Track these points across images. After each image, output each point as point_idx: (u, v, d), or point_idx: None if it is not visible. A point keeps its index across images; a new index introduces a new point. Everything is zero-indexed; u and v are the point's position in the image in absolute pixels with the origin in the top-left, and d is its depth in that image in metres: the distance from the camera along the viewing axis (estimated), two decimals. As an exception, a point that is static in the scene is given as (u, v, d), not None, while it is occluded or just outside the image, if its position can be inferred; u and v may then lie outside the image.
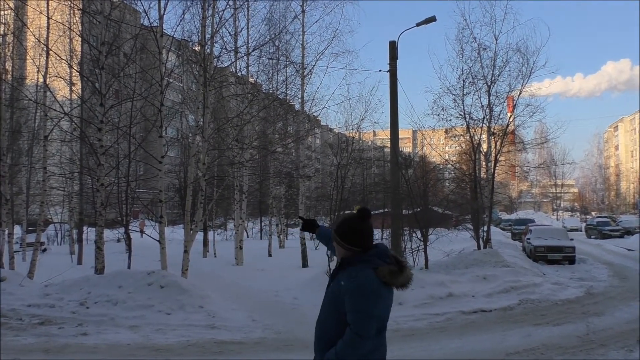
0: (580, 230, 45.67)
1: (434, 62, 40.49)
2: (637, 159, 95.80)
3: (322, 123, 36.20)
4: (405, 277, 2.78)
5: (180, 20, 15.88)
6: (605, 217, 51.92)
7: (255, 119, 18.77)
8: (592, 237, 37.92)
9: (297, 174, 22.96)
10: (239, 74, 20.27)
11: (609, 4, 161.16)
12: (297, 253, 20.01)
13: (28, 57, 19.18)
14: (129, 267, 13.53)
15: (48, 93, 15.90)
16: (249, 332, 8.73)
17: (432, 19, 17.27)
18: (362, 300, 2.66)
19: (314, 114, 23.84)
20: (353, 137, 23.86)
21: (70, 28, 15.40)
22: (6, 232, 16.68)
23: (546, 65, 20.04)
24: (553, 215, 76.54)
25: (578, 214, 75.97)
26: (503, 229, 43.05)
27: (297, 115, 22.77)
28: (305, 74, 21.13)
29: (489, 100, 19.49)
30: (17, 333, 8.30)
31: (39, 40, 15.49)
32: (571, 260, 19.71)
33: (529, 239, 22.20)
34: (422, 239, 15.93)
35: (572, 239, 21.47)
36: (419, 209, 16.48)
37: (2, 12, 18.11)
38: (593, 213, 74.07)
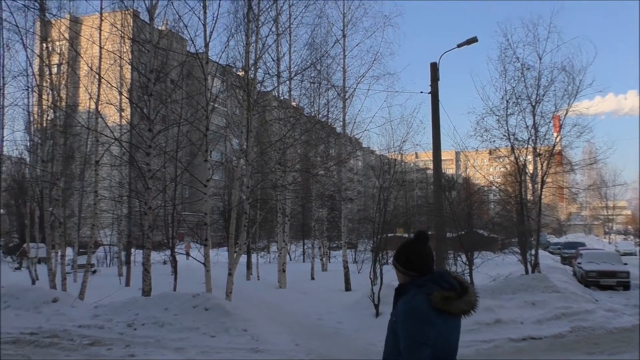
0: (635, 254, 43.73)
1: (476, 82, 39.97)
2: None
3: (363, 145, 36.29)
4: (467, 302, 2.68)
5: (225, 47, 16.38)
6: (662, 240, 49.64)
7: (297, 142, 18.98)
8: (648, 261, 36.27)
9: (339, 196, 22.98)
10: (282, 98, 20.60)
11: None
12: (339, 276, 19.89)
13: (81, 85, 20.02)
14: (174, 289, 13.76)
15: (99, 119, 16.52)
16: (292, 356, 8.69)
17: (473, 40, 17.16)
18: (411, 326, 2.58)
19: (356, 136, 23.93)
20: (395, 159, 23.75)
21: (120, 57, 16.04)
22: (59, 253, 17.27)
23: (593, 84, 19.47)
24: (605, 238, 73.66)
25: (632, 237, 72.86)
26: (552, 253, 41.68)
27: (339, 138, 22.89)
28: (346, 97, 21.30)
29: (534, 121, 19.09)
30: (68, 353, 8.52)
31: (91, 69, 16.17)
32: (625, 286, 18.88)
33: (579, 263, 21.42)
34: (467, 263, 15.60)
35: (625, 264, 20.62)
36: (463, 232, 16.18)
37: (58, 43, 19.02)
38: (648, 236, 70.94)
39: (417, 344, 2.56)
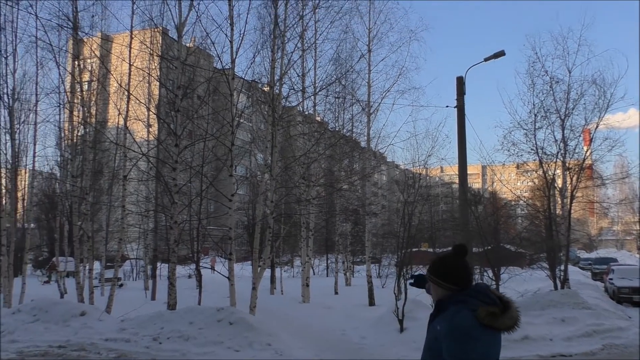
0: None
1: (503, 96, 39.88)
2: None
3: (388, 160, 36.14)
4: (510, 318, 2.57)
5: (251, 63, 16.62)
6: (697, 256, 48.10)
7: (321, 156, 19.02)
8: (683, 278, 35.15)
9: (363, 211, 22.91)
10: (306, 113, 20.71)
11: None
12: (363, 291, 19.76)
13: (110, 102, 20.45)
14: (199, 303, 13.83)
15: (128, 135, 16.81)
16: (316, 372, 8.64)
17: (501, 54, 17.06)
18: (457, 344, 2.49)
19: (380, 150, 23.88)
20: (420, 174, 23.61)
21: (149, 73, 16.34)
22: (87, 267, 17.55)
23: (625, 97, 19.20)
24: (638, 254, 71.71)
25: (665, 253, 70.77)
26: (582, 269, 40.77)
27: (363, 153, 22.88)
28: (371, 111, 21.31)
29: (563, 134, 18.85)
30: (95, 366, 8.61)
31: (120, 86, 16.52)
32: (659, 303, 18.32)
33: (611, 279, 20.89)
34: (493, 278, 15.34)
35: (659, 280, 19.99)
36: (490, 247, 15.95)
37: (89, 60, 19.50)
38: (682, 252, 68.80)
39: None
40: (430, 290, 2.80)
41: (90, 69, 19.51)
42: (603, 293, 21.47)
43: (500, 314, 2.54)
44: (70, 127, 19.29)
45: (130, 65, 16.03)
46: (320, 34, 19.61)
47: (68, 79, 17.93)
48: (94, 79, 19.21)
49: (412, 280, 3.14)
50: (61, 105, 18.95)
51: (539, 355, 9.92)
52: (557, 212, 21.25)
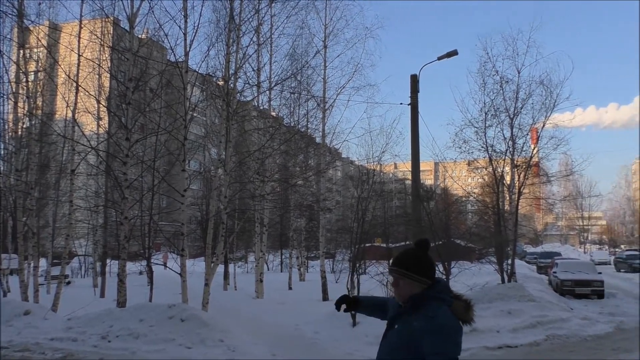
0: (609, 264, 44.53)
1: (456, 94, 40.50)
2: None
3: (343, 156, 36.38)
4: (473, 312, 2.66)
5: (205, 56, 16.34)
6: (635, 250, 50.59)
7: (276, 152, 18.97)
8: (622, 270, 36.95)
9: (317, 206, 22.99)
10: (261, 107, 20.59)
11: None
12: (317, 286, 19.86)
13: (58, 93, 19.75)
14: (150, 300, 13.58)
15: (76, 128, 16.30)
16: (269, 367, 8.64)
17: (453, 53, 17.44)
18: (446, 342, 2.47)
19: (335, 146, 24.02)
20: (374, 170, 23.88)
21: (99, 65, 15.87)
22: (32, 264, 16.93)
23: (570, 97, 20.00)
24: (580, 248, 74.88)
25: (606, 247, 74.23)
26: (528, 262, 42.22)
27: (318, 148, 22.95)
28: (326, 107, 21.38)
29: (512, 133, 19.45)
30: (40, 366, 8.34)
31: (69, 77, 15.97)
32: (600, 295, 19.19)
33: (555, 272, 21.72)
34: (444, 272, 15.70)
35: (600, 273, 20.94)
36: (441, 242, 16.30)
37: (35, 50, 18.77)
38: (622, 246, 72.29)
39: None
40: (400, 286, 2.67)
41: (36, 58, 18.77)
42: (547, 286, 22.30)
43: (470, 308, 2.64)
44: (14, 119, 18.51)
45: (79, 55, 15.53)
46: (276, 29, 19.53)
47: (13, 68, 17.19)
48: (41, 69, 18.51)
49: (341, 307, 3.02)
50: (4, 96, 18.15)
51: (486, 347, 10.24)
52: (505, 208, 21.92)
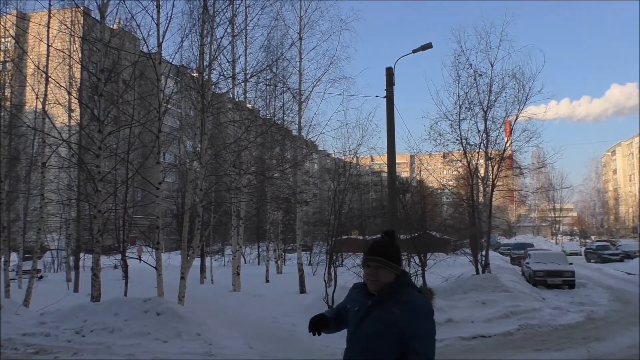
0: (580, 255, 45.49)
1: (431, 87, 41.08)
2: (636, 183, 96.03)
3: (319, 148, 36.36)
4: (434, 299, 2.81)
5: (179, 48, 16.12)
6: (605, 241, 51.82)
7: (252, 144, 18.88)
8: (592, 261, 37.76)
9: (294, 199, 22.96)
10: (237, 100, 20.42)
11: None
12: (294, 279, 19.88)
13: (27, 84, 19.31)
14: (125, 294, 13.42)
15: (47, 120, 15.96)
16: (246, 359, 8.62)
17: (428, 46, 17.51)
18: (428, 324, 2.60)
19: (311, 139, 23.97)
20: (350, 163, 23.94)
21: (70, 55, 15.54)
22: (2, 259, 16.58)
23: (542, 91, 20.25)
24: (552, 239, 76.35)
25: (577, 238, 75.80)
26: (502, 254, 42.88)
27: (295, 141, 22.88)
28: (302, 100, 21.30)
29: (486, 126, 19.66)
30: (11, 362, 8.18)
31: (38, 67, 15.62)
32: (571, 285, 19.59)
33: (528, 263, 22.09)
34: (420, 264, 15.85)
35: (571, 263, 21.37)
36: (416, 234, 16.44)
37: (3, 39, 18.29)
38: (592, 237, 73.89)
39: (433, 341, 2.61)
40: (379, 275, 2.68)
41: (4, 49, 18.30)
42: (520, 276, 22.66)
43: (432, 295, 2.78)
44: (-18, 110, 18.04)
45: (48, 46, 15.19)
46: (251, 20, 19.30)
47: (-21, 58, 16.77)
48: (9, 59, 18.06)
49: (315, 330, 2.94)
50: (-29, 87, 17.70)
51: (461, 337, 10.36)
52: (480, 200, 22.21)
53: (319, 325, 2.96)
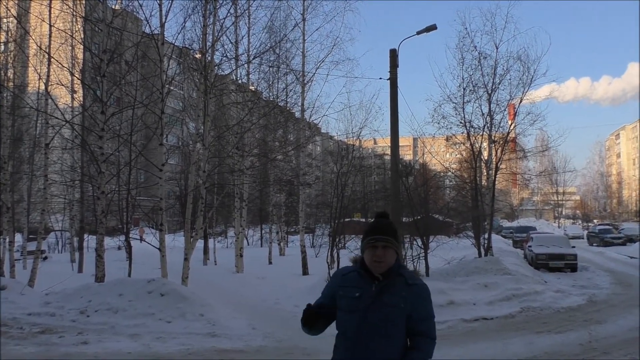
0: (582, 238, 45.58)
1: (435, 70, 40.53)
2: (639, 167, 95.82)
3: (322, 131, 36.28)
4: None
5: (182, 28, 15.95)
6: (608, 224, 51.86)
7: (255, 126, 18.79)
8: (594, 244, 37.83)
9: (297, 181, 22.97)
10: (240, 81, 20.31)
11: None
12: (297, 260, 19.98)
13: (30, 65, 19.22)
14: (129, 275, 13.50)
15: (49, 101, 15.91)
16: (249, 341, 8.70)
17: (432, 28, 17.33)
18: (431, 305, 2.69)
19: (314, 121, 23.91)
20: (353, 145, 23.88)
21: (72, 36, 15.43)
22: (7, 240, 16.68)
23: (547, 73, 20.15)
24: (555, 222, 76.40)
25: (580, 222, 75.89)
26: (504, 237, 42.96)
27: (298, 123, 22.81)
28: (305, 81, 21.19)
29: (490, 108, 19.52)
30: (18, 342, 8.26)
31: (40, 48, 15.53)
32: (573, 268, 19.65)
33: (530, 246, 22.13)
34: (422, 247, 15.89)
35: (574, 247, 21.41)
36: (419, 217, 16.45)
37: (5, 20, 18.17)
38: (595, 221, 73.98)
39: (434, 319, 2.70)
40: (386, 256, 2.62)
41: (6, 29, 18.18)
42: (522, 260, 22.73)
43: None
44: (-16, 91, 17.98)
45: (50, 26, 15.08)
46: (254, 1, 19.18)
47: (-19, 39, 16.67)
48: (11, 39, 17.95)
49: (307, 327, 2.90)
50: (-27, 67, 17.61)
51: (463, 319, 10.43)
52: (483, 183, 22.18)
53: (312, 319, 2.87)
